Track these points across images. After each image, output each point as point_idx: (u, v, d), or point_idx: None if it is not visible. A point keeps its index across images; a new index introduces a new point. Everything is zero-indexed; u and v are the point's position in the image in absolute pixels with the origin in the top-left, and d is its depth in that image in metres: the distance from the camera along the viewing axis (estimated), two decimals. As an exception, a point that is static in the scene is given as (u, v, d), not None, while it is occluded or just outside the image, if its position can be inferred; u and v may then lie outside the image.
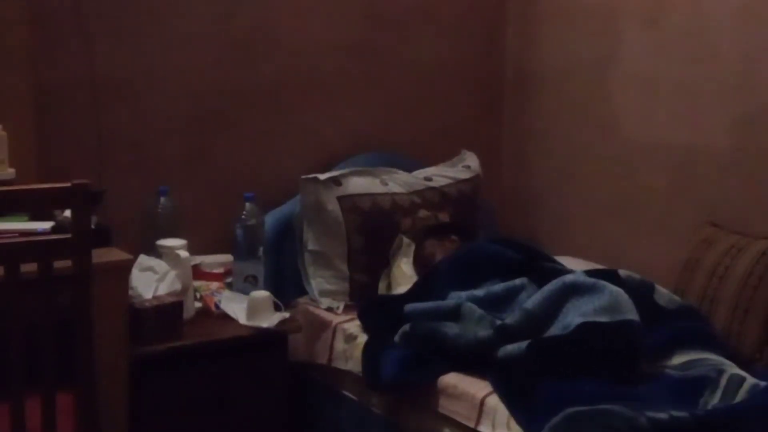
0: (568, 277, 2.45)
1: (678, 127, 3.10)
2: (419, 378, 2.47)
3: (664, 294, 2.58)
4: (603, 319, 2.30)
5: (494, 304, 2.54)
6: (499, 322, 2.44)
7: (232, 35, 3.09)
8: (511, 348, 2.35)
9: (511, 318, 2.43)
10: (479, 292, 2.59)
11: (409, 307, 2.63)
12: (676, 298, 2.62)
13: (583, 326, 2.29)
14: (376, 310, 2.77)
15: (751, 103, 2.88)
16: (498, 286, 2.58)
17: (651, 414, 2.00)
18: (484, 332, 2.42)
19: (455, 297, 2.60)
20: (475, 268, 2.71)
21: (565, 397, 2.11)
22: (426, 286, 2.75)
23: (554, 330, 2.37)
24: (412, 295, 2.74)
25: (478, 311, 2.48)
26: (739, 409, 2.09)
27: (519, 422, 2.18)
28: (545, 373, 2.24)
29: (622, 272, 2.57)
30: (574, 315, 2.34)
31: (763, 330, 2.62)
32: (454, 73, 3.61)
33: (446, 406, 2.41)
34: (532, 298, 2.45)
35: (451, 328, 2.48)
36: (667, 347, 2.40)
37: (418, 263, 2.97)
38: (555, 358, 2.28)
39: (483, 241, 2.95)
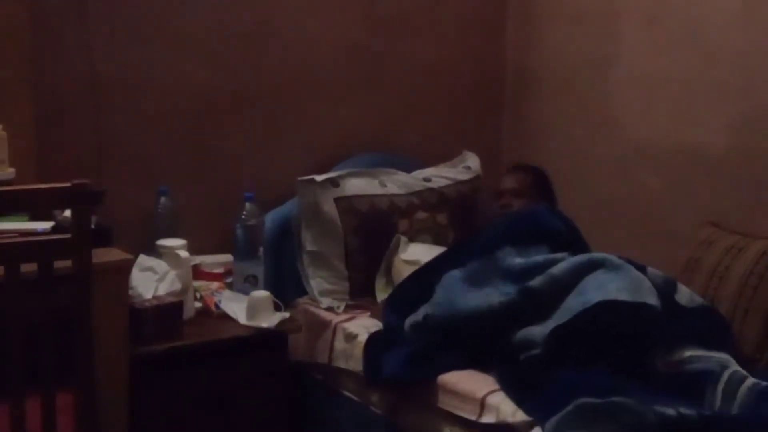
0: (599, 254, 2.49)
1: (678, 126, 3.10)
2: (422, 374, 2.47)
3: (685, 293, 2.56)
4: (623, 297, 2.30)
5: (530, 271, 2.53)
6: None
7: (232, 35, 3.09)
8: (526, 334, 2.36)
9: (535, 281, 2.45)
10: (521, 260, 2.59)
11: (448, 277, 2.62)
12: (698, 297, 2.58)
13: (603, 304, 2.29)
14: (409, 285, 2.77)
15: (750, 103, 2.88)
16: (540, 257, 2.58)
17: (660, 409, 2.01)
18: (505, 298, 2.43)
19: (506, 252, 2.62)
20: (531, 232, 2.71)
21: (577, 387, 2.11)
22: (478, 239, 2.77)
23: (573, 301, 2.35)
24: (464, 248, 2.76)
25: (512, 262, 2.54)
26: (747, 417, 2.09)
27: (527, 412, 2.19)
28: (560, 362, 2.25)
29: (649, 270, 2.56)
30: (595, 291, 2.33)
31: (763, 330, 2.62)
32: (454, 73, 3.61)
33: (447, 403, 2.40)
34: (559, 265, 2.47)
35: (472, 300, 2.48)
36: (679, 344, 2.40)
37: (494, 191, 3.07)
38: (572, 347, 2.28)
39: (545, 209, 2.92)
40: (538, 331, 2.36)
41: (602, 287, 2.34)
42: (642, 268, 2.51)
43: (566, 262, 2.48)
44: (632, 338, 2.31)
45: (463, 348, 2.49)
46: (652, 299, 2.34)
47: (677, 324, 2.42)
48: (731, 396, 2.19)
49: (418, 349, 2.52)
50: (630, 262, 2.50)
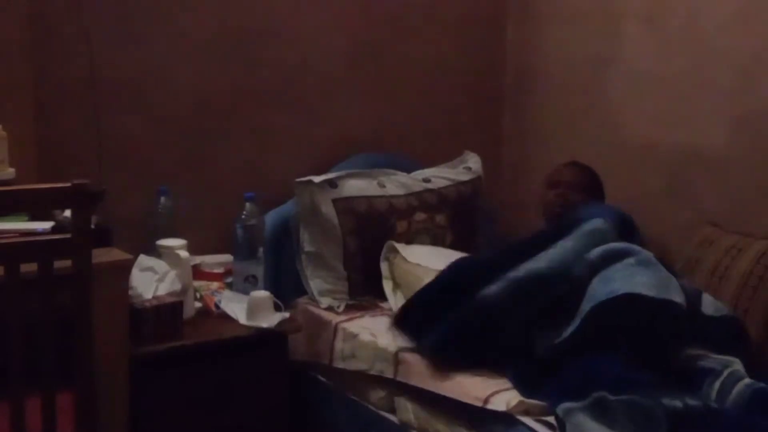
0: (637, 247, 2.51)
1: (678, 126, 3.10)
2: (463, 353, 2.44)
3: (709, 304, 2.54)
4: (649, 293, 2.32)
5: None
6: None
7: (232, 35, 3.09)
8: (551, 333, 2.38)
9: (575, 269, 2.47)
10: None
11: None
12: (723, 307, 2.56)
13: (628, 296, 2.31)
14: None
15: (750, 102, 2.88)
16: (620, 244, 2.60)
17: (667, 402, 2.05)
18: (578, 271, 2.47)
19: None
20: (627, 224, 2.75)
21: (593, 378, 2.15)
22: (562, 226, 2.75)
23: (599, 287, 2.37)
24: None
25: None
26: (752, 414, 2.11)
27: (541, 398, 2.22)
28: (577, 348, 2.28)
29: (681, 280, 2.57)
30: (622, 281, 2.35)
31: (763, 330, 2.62)
32: (454, 73, 3.61)
33: (453, 391, 2.39)
34: (595, 250, 2.49)
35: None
36: (693, 345, 2.41)
37: (548, 180, 3.08)
38: (591, 334, 2.30)
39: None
40: (565, 329, 2.36)
41: (629, 279, 2.36)
42: (674, 275, 2.52)
43: (603, 246, 2.50)
44: (652, 332, 2.33)
45: (497, 337, 2.46)
46: (678, 297, 2.36)
47: (697, 328, 2.43)
48: (726, 393, 2.22)
49: (465, 325, 2.46)
50: (663, 264, 2.52)
